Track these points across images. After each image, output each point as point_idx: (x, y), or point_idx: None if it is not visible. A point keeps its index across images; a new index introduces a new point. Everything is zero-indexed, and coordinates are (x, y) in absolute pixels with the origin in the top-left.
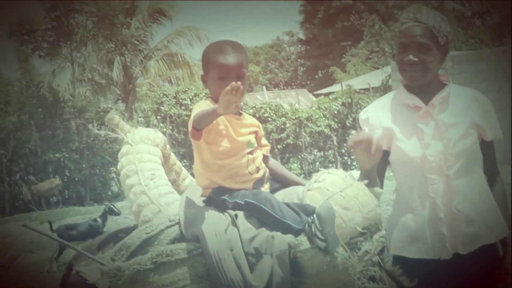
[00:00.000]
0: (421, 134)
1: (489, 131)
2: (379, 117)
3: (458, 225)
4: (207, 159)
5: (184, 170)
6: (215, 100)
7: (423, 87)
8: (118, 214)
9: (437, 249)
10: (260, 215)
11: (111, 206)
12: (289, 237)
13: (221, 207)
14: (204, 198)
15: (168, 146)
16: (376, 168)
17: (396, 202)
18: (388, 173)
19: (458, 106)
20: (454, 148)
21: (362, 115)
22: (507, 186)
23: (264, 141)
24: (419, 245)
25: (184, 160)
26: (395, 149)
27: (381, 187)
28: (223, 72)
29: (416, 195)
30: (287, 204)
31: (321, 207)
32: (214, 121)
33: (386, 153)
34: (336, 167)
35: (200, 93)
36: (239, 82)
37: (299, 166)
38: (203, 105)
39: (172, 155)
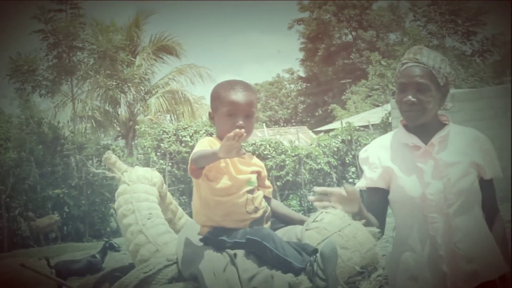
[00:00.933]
0: (420, 173)
1: (488, 170)
2: (379, 156)
3: (459, 263)
4: (205, 196)
5: (180, 209)
6: (221, 137)
7: (423, 126)
8: (118, 250)
9: (438, 287)
10: (262, 252)
11: (111, 242)
12: (289, 276)
13: (219, 247)
14: (201, 237)
15: (164, 185)
16: (377, 207)
17: (396, 241)
18: (389, 210)
19: (457, 146)
20: (454, 187)
21: (362, 154)
22: (507, 223)
23: (267, 182)
24: (419, 283)
25: (184, 197)
26: (394, 188)
27: (383, 225)
28: (233, 109)
29: (416, 234)
30: (288, 243)
31: (325, 246)
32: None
33: (386, 192)
34: None
35: (200, 130)
36: (242, 130)
37: (298, 203)
38: (206, 144)
39: (169, 195)
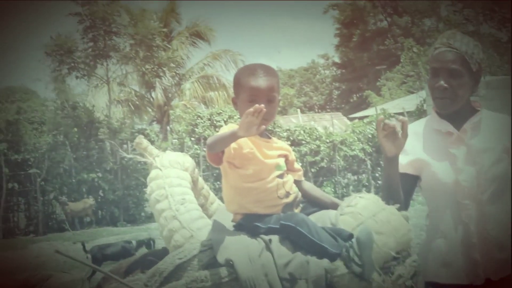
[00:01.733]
0: (453, 159)
1: None
2: (411, 144)
3: (491, 251)
4: (235, 183)
5: (212, 194)
6: None
7: (455, 113)
8: (150, 248)
9: (470, 274)
10: (296, 238)
11: (152, 241)
12: (325, 262)
13: (253, 233)
14: (234, 224)
15: (196, 170)
16: (403, 190)
17: (429, 228)
18: (422, 198)
19: (490, 132)
20: (487, 173)
21: None
22: None
23: (296, 165)
24: (451, 270)
25: (218, 182)
26: (427, 174)
27: (406, 208)
28: (254, 95)
29: (449, 220)
30: (323, 228)
31: (361, 232)
32: (237, 146)
33: (413, 178)
34: (370, 191)
35: (235, 115)
36: (262, 105)
37: (333, 190)
38: (226, 129)
39: (200, 179)
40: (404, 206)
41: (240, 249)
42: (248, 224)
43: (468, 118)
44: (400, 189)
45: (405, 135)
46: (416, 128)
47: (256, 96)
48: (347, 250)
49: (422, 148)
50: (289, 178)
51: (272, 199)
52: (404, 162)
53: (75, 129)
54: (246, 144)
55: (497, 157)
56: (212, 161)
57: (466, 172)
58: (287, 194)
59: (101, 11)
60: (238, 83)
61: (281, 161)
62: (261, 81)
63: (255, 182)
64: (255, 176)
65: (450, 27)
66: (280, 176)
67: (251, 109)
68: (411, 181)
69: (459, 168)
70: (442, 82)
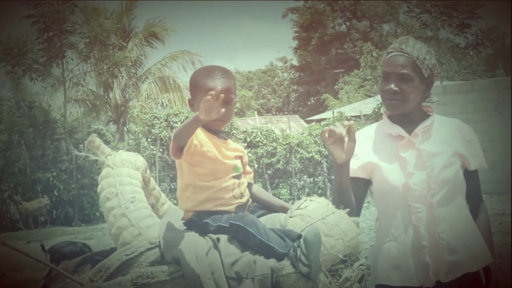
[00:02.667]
0: (404, 163)
1: (472, 160)
2: (362, 147)
3: (441, 254)
4: (191, 181)
5: (163, 195)
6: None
7: (406, 117)
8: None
9: (420, 277)
10: (245, 238)
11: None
12: (272, 261)
13: (203, 231)
14: (184, 222)
15: (148, 170)
16: (355, 195)
17: (379, 231)
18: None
19: (441, 136)
20: (437, 176)
21: None
22: (501, 215)
23: (248, 168)
24: (402, 273)
25: (174, 183)
26: (377, 178)
27: (358, 213)
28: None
29: (399, 223)
30: (272, 229)
31: (308, 232)
32: (198, 143)
33: (365, 182)
34: (326, 193)
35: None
36: (219, 88)
37: (289, 192)
38: None
39: (152, 180)
40: (357, 211)
41: (187, 246)
42: (199, 221)
43: (419, 123)
44: (351, 194)
45: (352, 139)
46: (367, 133)
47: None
48: (294, 249)
49: (373, 151)
50: (244, 181)
51: (227, 198)
52: (355, 166)
53: (31, 129)
54: (206, 142)
55: (447, 161)
56: (173, 154)
57: (416, 175)
58: (242, 195)
59: (54, 10)
60: (195, 84)
61: (238, 162)
62: (218, 83)
63: (211, 181)
64: (212, 175)
65: (408, 32)
66: (237, 177)
67: (208, 96)
68: (363, 185)
69: (409, 171)
70: (392, 86)
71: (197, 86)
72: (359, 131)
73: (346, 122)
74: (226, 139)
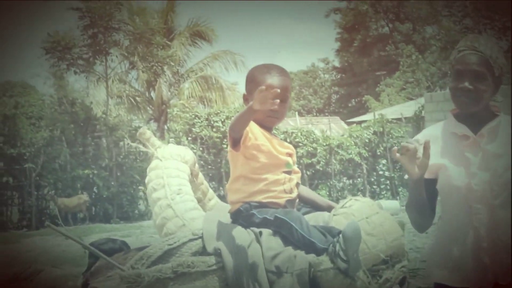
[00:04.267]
0: (467, 163)
1: None
2: (433, 147)
3: (501, 256)
4: (245, 174)
5: (211, 191)
6: (255, 120)
7: (473, 117)
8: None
9: (479, 278)
10: (288, 232)
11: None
12: (311, 256)
13: (247, 223)
14: (229, 215)
15: (197, 165)
16: (427, 196)
17: (440, 230)
18: None
19: (507, 137)
20: (500, 178)
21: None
22: None
23: (295, 167)
24: (461, 273)
25: (213, 182)
26: (441, 177)
27: (433, 215)
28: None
29: (460, 224)
30: (314, 226)
31: (348, 226)
32: (252, 136)
33: (434, 182)
34: (365, 196)
35: (232, 116)
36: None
37: (328, 193)
38: None
39: (200, 175)
40: (432, 213)
41: (229, 239)
42: (245, 212)
43: (486, 122)
44: (427, 205)
45: (427, 156)
46: (433, 132)
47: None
48: (333, 245)
49: (440, 151)
50: (295, 177)
51: (278, 191)
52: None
53: (72, 125)
54: (260, 136)
55: (511, 163)
56: (232, 146)
57: (479, 176)
58: (291, 190)
59: (101, 7)
60: (252, 80)
61: (290, 159)
62: (276, 80)
63: (264, 174)
64: (265, 169)
65: (449, 36)
66: (287, 172)
67: (263, 86)
68: (433, 185)
69: (472, 172)
70: (467, 84)
71: (254, 82)
72: (426, 129)
73: (421, 140)
74: (276, 136)
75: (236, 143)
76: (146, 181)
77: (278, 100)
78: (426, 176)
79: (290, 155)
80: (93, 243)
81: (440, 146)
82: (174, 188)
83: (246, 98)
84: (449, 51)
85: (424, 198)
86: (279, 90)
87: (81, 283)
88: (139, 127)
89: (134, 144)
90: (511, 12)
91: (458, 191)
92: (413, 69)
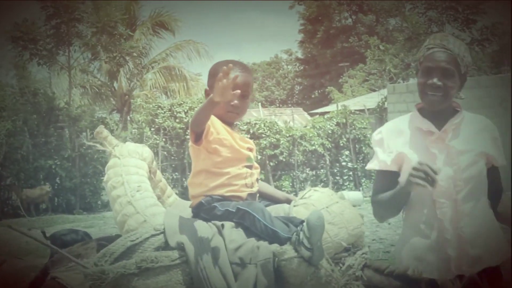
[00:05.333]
0: (433, 159)
1: (498, 158)
2: (393, 140)
3: (464, 247)
4: (207, 168)
5: (169, 188)
6: (216, 114)
7: (437, 112)
8: None
9: (442, 270)
10: (250, 223)
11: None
12: (274, 246)
13: (209, 216)
14: (191, 210)
15: (154, 162)
16: (387, 188)
17: (405, 223)
18: None
19: (469, 134)
20: (463, 174)
21: (376, 136)
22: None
23: (255, 163)
24: (424, 265)
25: (176, 173)
26: (406, 171)
27: (400, 209)
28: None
29: (425, 217)
30: (276, 217)
31: (311, 215)
32: (214, 130)
33: (397, 175)
34: (328, 187)
35: (195, 107)
36: (231, 65)
37: (291, 184)
38: None
39: (158, 172)
40: (399, 209)
41: (191, 232)
42: (207, 205)
43: (448, 118)
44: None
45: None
46: (399, 126)
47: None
48: (297, 233)
49: (404, 144)
50: (255, 172)
51: (239, 185)
52: (389, 160)
53: (34, 116)
54: (222, 131)
55: (473, 159)
56: (193, 141)
57: (443, 172)
58: (252, 184)
59: None
60: (214, 75)
61: (251, 154)
62: (239, 76)
63: (226, 168)
64: (227, 163)
65: (414, 28)
66: (248, 167)
67: (220, 74)
68: (396, 177)
69: (437, 167)
70: (435, 80)
71: (216, 76)
72: (391, 122)
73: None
74: (238, 131)
75: (198, 138)
76: (105, 179)
77: (238, 91)
78: (393, 169)
79: (250, 149)
80: (55, 233)
81: (404, 139)
82: (134, 185)
83: (208, 93)
84: (414, 43)
85: (403, 202)
86: (238, 77)
87: (41, 270)
88: (102, 118)
89: (90, 143)
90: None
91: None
92: (381, 59)
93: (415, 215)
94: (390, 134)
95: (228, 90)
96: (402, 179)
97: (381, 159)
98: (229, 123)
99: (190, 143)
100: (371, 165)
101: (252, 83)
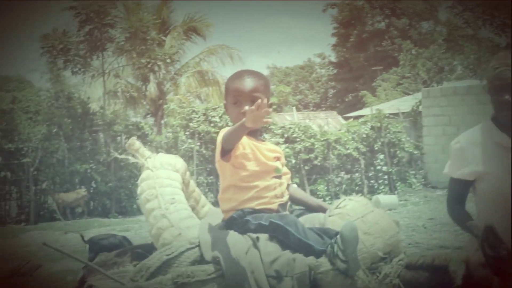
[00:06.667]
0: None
1: None
2: (472, 152)
3: None
4: (234, 183)
5: (203, 198)
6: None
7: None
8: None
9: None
10: (284, 237)
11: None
12: (310, 259)
13: (243, 229)
14: (225, 221)
15: (188, 172)
16: (460, 195)
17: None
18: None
19: None
20: None
21: (454, 144)
22: None
23: (285, 169)
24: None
25: (211, 177)
26: (485, 182)
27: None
28: (237, 96)
29: (499, 224)
30: (310, 229)
31: (344, 226)
32: (240, 146)
33: (471, 183)
34: (363, 190)
35: None
36: (265, 100)
37: (326, 188)
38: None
39: (192, 182)
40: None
41: (227, 246)
42: (239, 219)
43: None
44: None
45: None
46: (474, 138)
47: (239, 97)
48: (331, 246)
49: (482, 158)
50: (284, 181)
51: (269, 197)
52: (466, 171)
53: (69, 120)
54: (248, 144)
55: None
56: (221, 156)
57: None
58: (282, 194)
59: (96, 4)
60: (226, 87)
61: (279, 164)
62: (244, 83)
63: (254, 181)
64: (255, 176)
65: (449, 30)
66: (277, 177)
67: (253, 107)
68: (469, 185)
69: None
70: (507, 97)
71: (227, 89)
72: (464, 134)
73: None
74: (264, 140)
75: (226, 153)
76: (138, 192)
77: (270, 119)
78: (468, 178)
79: (278, 158)
80: (93, 238)
81: (482, 152)
82: (168, 198)
83: (226, 107)
84: (450, 45)
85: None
86: (270, 110)
87: (80, 277)
88: (137, 122)
89: (123, 156)
90: (511, 10)
91: (503, 197)
92: (413, 64)
93: (487, 219)
94: (468, 146)
95: (260, 119)
96: (480, 189)
97: (459, 169)
98: (253, 131)
99: (216, 158)
100: (448, 171)
101: (265, 88)
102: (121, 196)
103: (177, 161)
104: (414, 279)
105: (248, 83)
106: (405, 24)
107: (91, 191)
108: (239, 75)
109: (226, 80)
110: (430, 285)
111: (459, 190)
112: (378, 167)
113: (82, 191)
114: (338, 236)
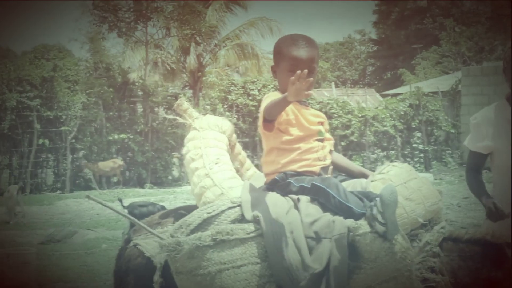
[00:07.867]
0: None
1: None
2: (486, 129)
3: None
4: (277, 145)
5: (248, 161)
6: (283, 91)
7: None
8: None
9: None
10: (325, 199)
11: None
12: (350, 221)
13: (285, 192)
14: (267, 184)
15: (234, 135)
16: (475, 166)
17: (494, 190)
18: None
19: None
20: None
21: (473, 120)
22: None
23: (328, 135)
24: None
25: (247, 150)
26: (499, 158)
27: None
28: (295, 65)
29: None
30: (351, 192)
31: (384, 189)
32: (283, 113)
33: (486, 156)
34: None
35: (269, 85)
36: (305, 70)
37: (361, 164)
38: (272, 97)
39: (238, 145)
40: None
41: (268, 206)
42: (282, 181)
43: None
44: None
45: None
46: (489, 115)
47: (297, 66)
48: (371, 208)
49: (494, 134)
50: (327, 145)
51: (311, 159)
52: (481, 145)
53: (111, 89)
54: (291, 110)
55: None
56: (265, 128)
57: None
58: (325, 157)
59: None
60: (279, 52)
61: (322, 128)
62: (302, 52)
63: (297, 144)
64: (298, 140)
65: (493, 8)
66: (320, 140)
67: (293, 77)
68: (484, 159)
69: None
70: None
71: (281, 54)
72: (481, 111)
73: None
74: (307, 105)
75: (270, 126)
76: (183, 151)
77: (311, 92)
78: (483, 151)
79: (321, 123)
80: (133, 203)
81: (493, 128)
82: (212, 158)
83: (274, 70)
84: (493, 22)
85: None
86: (311, 79)
87: (125, 239)
88: (175, 93)
89: (171, 116)
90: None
91: None
92: (456, 41)
93: (503, 195)
94: (484, 122)
95: (301, 92)
96: (497, 165)
97: (475, 143)
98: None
99: (259, 123)
100: (467, 144)
101: (318, 57)
102: (157, 166)
103: (224, 123)
104: (464, 252)
105: (307, 53)
106: (448, 2)
107: (128, 161)
108: (296, 42)
109: (278, 42)
110: (477, 259)
111: (475, 161)
112: (415, 145)
113: (119, 161)
114: (377, 199)
